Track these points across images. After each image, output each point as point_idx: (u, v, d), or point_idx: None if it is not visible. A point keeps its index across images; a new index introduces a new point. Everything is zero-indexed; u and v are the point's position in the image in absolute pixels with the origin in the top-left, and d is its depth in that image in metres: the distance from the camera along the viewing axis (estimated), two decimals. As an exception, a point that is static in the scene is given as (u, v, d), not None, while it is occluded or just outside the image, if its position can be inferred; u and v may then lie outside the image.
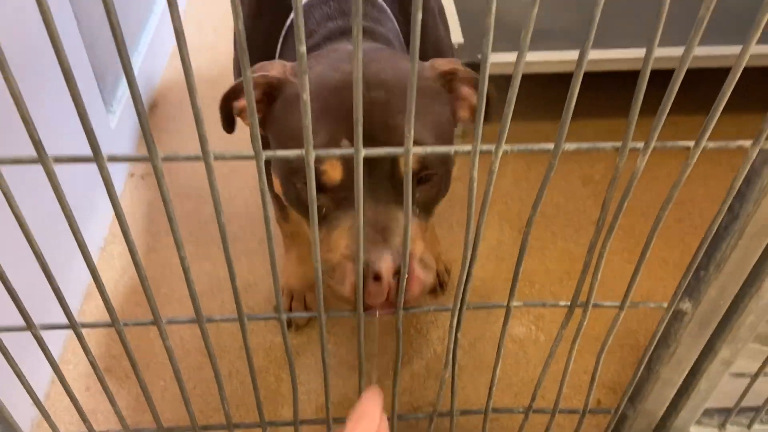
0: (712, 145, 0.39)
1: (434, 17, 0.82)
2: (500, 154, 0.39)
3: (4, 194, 0.36)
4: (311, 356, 0.90)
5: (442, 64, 0.62)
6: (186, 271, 0.42)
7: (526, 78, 1.25)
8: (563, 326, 0.51)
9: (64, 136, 0.87)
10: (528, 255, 1.02)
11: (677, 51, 1.23)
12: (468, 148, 0.38)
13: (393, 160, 0.55)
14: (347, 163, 0.54)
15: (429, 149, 0.42)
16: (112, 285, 0.97)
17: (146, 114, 0.33)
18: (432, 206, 0.61)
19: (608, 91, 1.21)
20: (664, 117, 0.37)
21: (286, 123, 0.60)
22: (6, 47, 0.30)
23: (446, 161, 0.60)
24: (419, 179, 0.58)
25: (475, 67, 1.14)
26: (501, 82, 1.22)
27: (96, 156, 0.35)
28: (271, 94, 0.62)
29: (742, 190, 0.42)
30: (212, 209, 1.05)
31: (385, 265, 0.51)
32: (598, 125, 1.20)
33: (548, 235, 1.04)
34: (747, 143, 0.39)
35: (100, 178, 0.36)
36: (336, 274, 0.54)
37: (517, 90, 0.36)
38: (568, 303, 0.50)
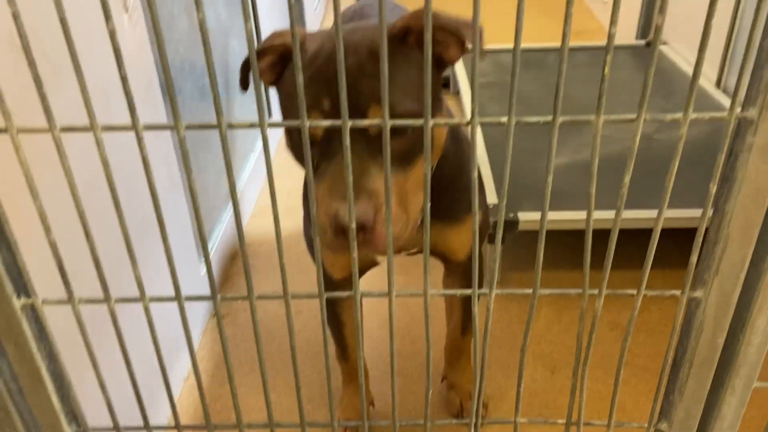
0: (651, 293, 0.53)
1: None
2: (493, 296, 0.53)
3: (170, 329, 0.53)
4: (360, 481, 0.99)
5: (403, 20, 0.66)
6: (265, 386, 0.57)
7: (557, 233, 1.41)
8: (563, 441, 0.62)
9: (159, 278, 1.07)
10: (560, 393, 1.12)
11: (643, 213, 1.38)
12: (468, 291, 0.54)
13: (363, 116, 0.63)
14: (327, 119, 0.63)
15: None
16: (192, 410, 1.12)
17: (248, 264, 0.50)
18: (409, 158, 0.66)
19: (644, 246, 1.35)
20: (609, 269, 0.51)
21: (289, 85, 0.71)
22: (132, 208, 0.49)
23: (419, 115, 0.63)
24: (392, 133, 0.63)
25: (512, 224, 1.30)
26: (532, 236, 1.39)
27: (213, 296, 0.52)
28: (285, 60, 0.72)
29: (685, 328, 0.55)
30: (277, 346, 1.21)
31: (342, 220, 0.60)
32: (630, 276, 1.32)
33: (580, 376, 1.14)
34: (678, 292, 0.52)
35: (189, 315, 0.53)
36: (321, 231, 0.63)
37: (497, 247, 0.51)
38: (565, 421, 0.62)
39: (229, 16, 1.54)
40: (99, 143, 0.45)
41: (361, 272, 0.92)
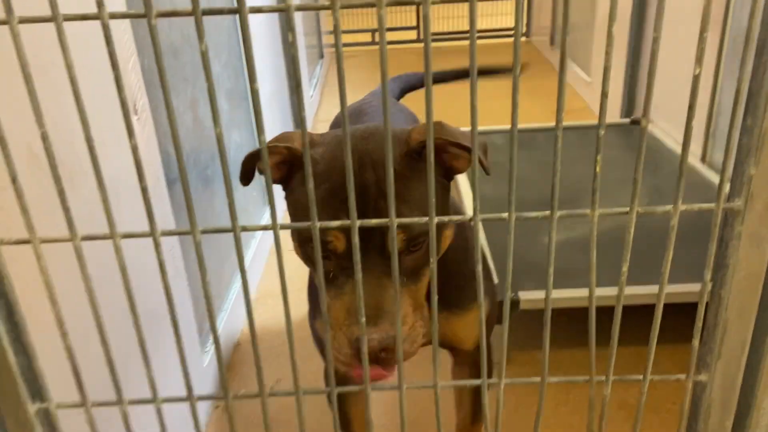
0: (657, 377, 0.54)
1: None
2: (503, 386, 0.54)
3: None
4: None
5: (419, 133, 0.67)
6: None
7: (559, 311, 1.42)
8: None
9: (163, 373, 1.06)
10: (572, 478, 1.10)
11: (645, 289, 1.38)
12: (477, 382, 0.54)
13: (383, 237, 0.63)
14: (348, 236, 0.63)
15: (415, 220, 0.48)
16: None
17: (260, 362, 0.51)
18: (422, 268, 0.67)
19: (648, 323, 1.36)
20: (614, 357, 0.52)
21: (300, 195, 0.69)
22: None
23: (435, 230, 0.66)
24: (408, 251, 0.65)
25: (513, 304, 1.30)
26: (535, 314, 1.40)
27: (225, 395, 0.53)
28: (293, 163, 0.70)
29: (693, 412, 0.55)
30: (284, 437, 1.19)
31: (370, 345, 0.60)
32: (636, 351, 1.32)
33: (591, 459, 1.12)
34: (683, 376, 0.53)
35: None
36: (335, 344, 0.64)
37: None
38: None
39: (230, 108, 1.60)
40: (117, 250, 0.47)
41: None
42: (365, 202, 0.64)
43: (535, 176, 1.81)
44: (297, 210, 0.70)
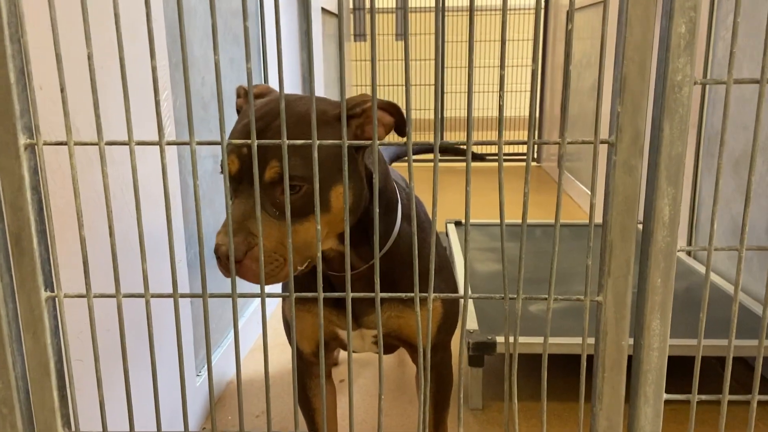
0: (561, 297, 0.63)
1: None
2: None
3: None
4: None
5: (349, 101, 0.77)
6: None
7: (538, 357, 1.47)
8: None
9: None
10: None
11: None
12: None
13: (263, 171, 0.73)
14: (241, 161, 0.75)
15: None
16: None
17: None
18: (304, 214, 0.75)
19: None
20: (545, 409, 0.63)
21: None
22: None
23: (310, 178, 0.73)
24: (282, 188, 0.74)
25: (489, 346, 1.36)
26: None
27: None
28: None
29: (593, 333, 0.64)
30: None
31: (219, 251, 0.71)
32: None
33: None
34: (581, 297, 0.63)
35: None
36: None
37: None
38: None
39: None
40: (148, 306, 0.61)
41: (327, 345, 0.97)
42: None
43: (528, 261, 1.93)
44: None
